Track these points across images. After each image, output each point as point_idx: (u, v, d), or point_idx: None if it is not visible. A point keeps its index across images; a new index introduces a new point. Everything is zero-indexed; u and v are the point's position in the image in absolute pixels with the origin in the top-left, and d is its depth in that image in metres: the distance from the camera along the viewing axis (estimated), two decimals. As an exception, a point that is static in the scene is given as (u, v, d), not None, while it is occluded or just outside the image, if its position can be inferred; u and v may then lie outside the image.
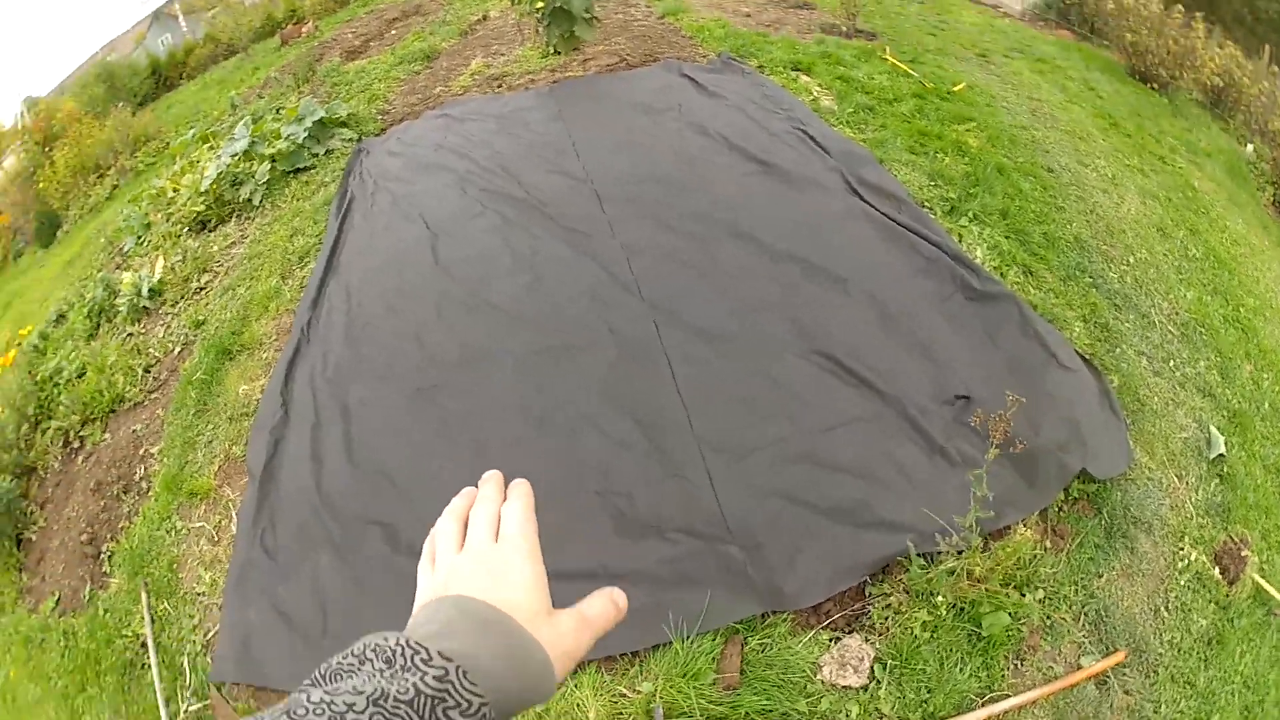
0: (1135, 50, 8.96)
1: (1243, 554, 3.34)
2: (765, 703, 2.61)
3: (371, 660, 0.52)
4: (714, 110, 6.20)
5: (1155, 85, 8.72)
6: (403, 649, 0.52)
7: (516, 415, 3.75)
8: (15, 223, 14.41)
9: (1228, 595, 3.21)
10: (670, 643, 2.79)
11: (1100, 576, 3.08)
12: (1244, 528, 3.46)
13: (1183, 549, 3.29)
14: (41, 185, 13.21)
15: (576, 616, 0.66)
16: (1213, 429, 3.80)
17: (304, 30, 15.31)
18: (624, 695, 2.73)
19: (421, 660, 0.52)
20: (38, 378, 5.80)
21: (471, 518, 0.74)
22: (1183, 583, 3.18)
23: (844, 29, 8.19)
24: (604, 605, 0.70)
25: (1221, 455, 3.69)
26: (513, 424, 3.71)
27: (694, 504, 3.23)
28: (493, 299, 4.49)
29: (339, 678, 0.52)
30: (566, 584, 2.41)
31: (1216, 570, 3.29)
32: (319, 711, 0.47)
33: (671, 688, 2.67)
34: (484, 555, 0.69)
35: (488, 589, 0.63)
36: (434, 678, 0.51)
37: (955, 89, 6.81)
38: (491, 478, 0.78)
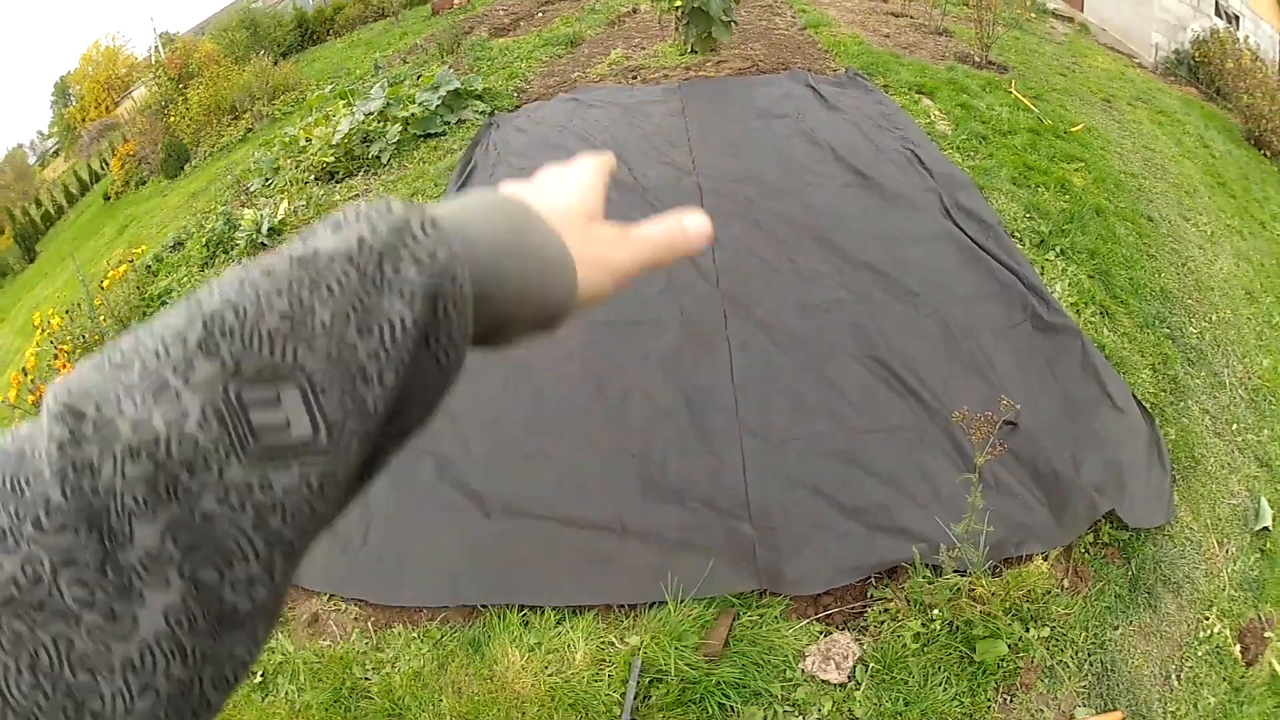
0: (1251, 114, 8.78)
1: (1266, 635, 3.20)
2: (739, 677, 2.65)
3: (318, 229, 0.41)
4: (829, 122, 6.27)
5: (1268, 153, 8.48)
6: (360, 209, 0.41)
7: (577, 377, 3.93)
8: (141, 151, 15.19)
9: (1242, 676, 3.07)
10: (666, 602, 2.87)
11: (1115, 629, 2.98)
12: (1274, 608, 3.32)
13: (1208, 619, 3.16)
14: (172, 119, 13.90)
15: (620, 228, 0.56)
16: (1263, 500, 3.65)
17: (456, 2, 15.72)
18: (612, 644, 2.82)
19: (378, 213, 0.40)
20: (146, 295, 6.24)
21: None
22: (1200, 654, 3.05)
23: (977, 59, 8.13)
24: (666, 226, 0.58)
25: (1266, 529, 3.55)
26: (572, 384, 3.89)
27: (721, 481, 3.32)
28: (578, 271, 4.70)
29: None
30: (586, 532, 2.87)
31: (1237, 648, 3.15)
32: (225, 283, 0.38)
33: (656, 645, 2.74)
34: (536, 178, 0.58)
35: (524, 192, 0.54)
36: (388, 227, 0.39)
37: (1073, 129, 6.69)
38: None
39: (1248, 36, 11.36)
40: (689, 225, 0.58)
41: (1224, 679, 3.02)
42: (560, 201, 0.54)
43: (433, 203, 0.44)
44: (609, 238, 0.54)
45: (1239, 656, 3.11)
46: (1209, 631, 3.11)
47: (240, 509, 0.35)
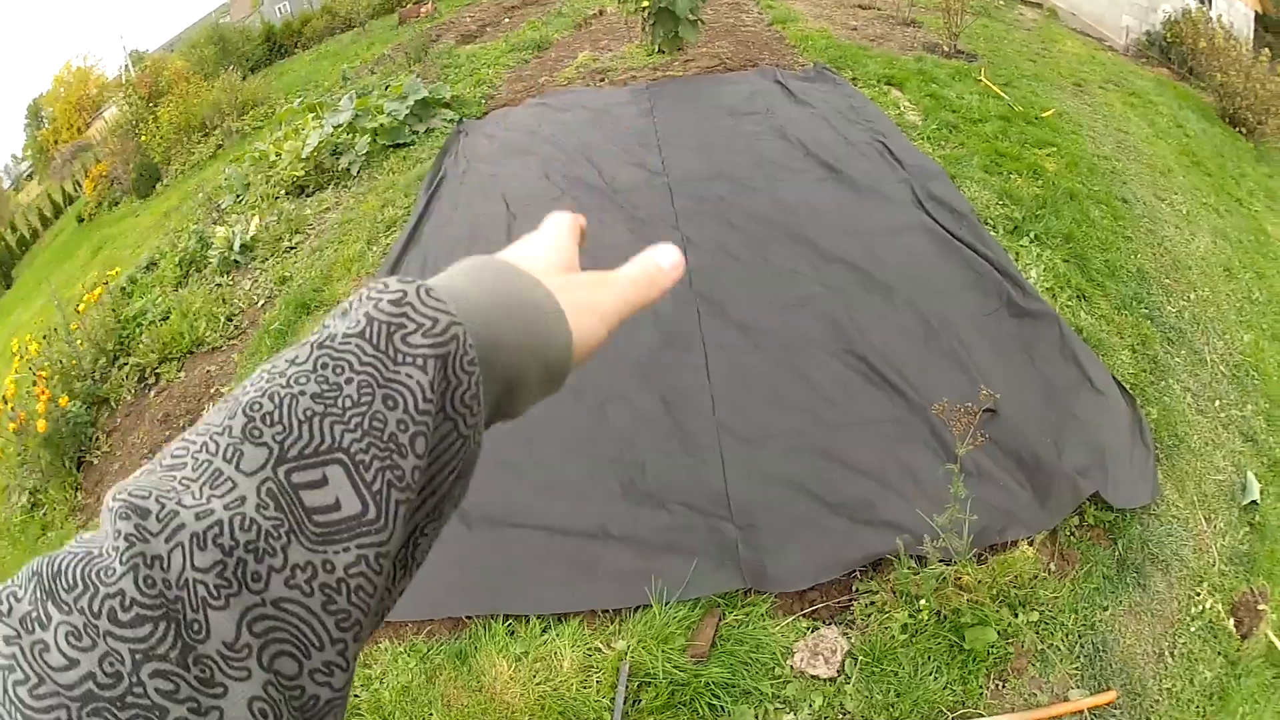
0: (1225, 92, 8.84)
1: (1260, 608, 3.19)
2: (728, 676, 2.63)
3: (329, 319, 0.43)
4: (798, 117, 6.28)
5: (1243, 129, 8.56)
6: (361, 294, 0.43)
7: (552, 382, 3.87)
8: (113, 172, 15.08)
9: (1238, 650, 3.06)
10: (650, 606, 2.85)
11: (1105, 609, 2.97)
12: (1267, 581, 3.31)
13: (1199, 594, 3.16)
14: (144, 138, 13.79)
15: (597, 273, 0.56)
16: (1250, 475, 3.65)
17: (423, 11, 15.76)
18: (599, 650, 2.79)
19: (377, 291, 0.42)
20: (121, 317, 6.18)
21: None
22: (1193, 630, 3.04)
23: (945, 48, 8.15)
24: (641, 264, 0.57)
25: (1255, 503, 3.55)
26: (548, 390, 3.84)
27: (701, 481, 3.30)
28: (550, 276, 4.69)
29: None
30: (568, 539, 2.88)
31: (1231, 622, 3.15)
32: (256, 377, 0.39)
33: (643, 649, 2.72)
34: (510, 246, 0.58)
35: (502, 255, 0.54)
36: (390, 302, 0.41)
37: (1044, 114, 6.70)
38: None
39: (1220, 15, 11.41)
40: (661, 260, 0.57)
41: (1219, 653, 3.02)
42: (536, 256, 0.55)
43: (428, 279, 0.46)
44: (588, 283, 0.54)
45: (1233, 630, 3.11)
46: (1201, 607, 3.11)
47: (309, 591, 0.36)
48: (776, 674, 2.67)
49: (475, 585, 3.08)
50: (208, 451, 0.37)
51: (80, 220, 18.08)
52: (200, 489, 0.35)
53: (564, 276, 0.53)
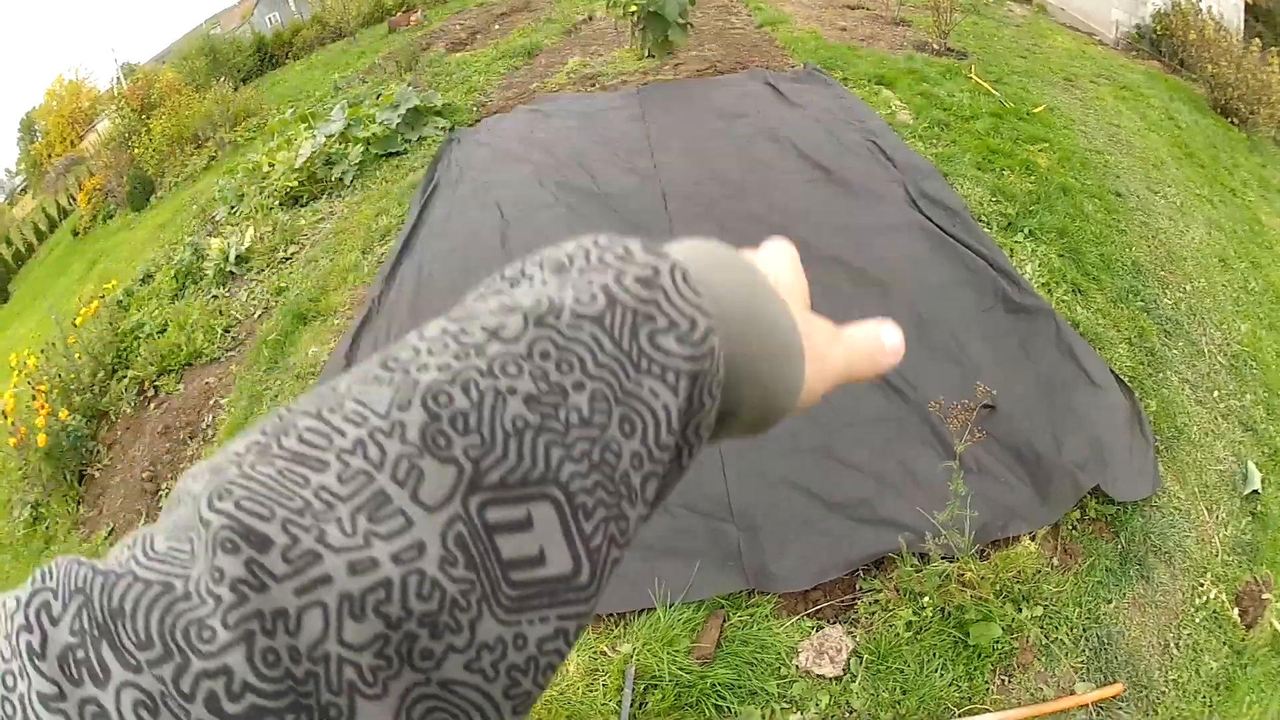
0: (1216, 83, 8.77)
1: (1264, 597, 3.19)
2: (734, 677, 2.64)
3: (535, 274, 0.33)
4: (790, 118, 6.28)
5: (1236, 120, 8.50)
6: (587, 250, 0.33)
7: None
8: (107, 185, 15.06)
9: (1243, 639, 3.06)
10: (655, 609, 2.85)
11: (1109, 602, 2.98)
12: (1270, 570, 3.31)
13: (1203, 585, 3.16)
14: (137, 151, 13.77)
15: (831, 325, 0.44)
16: (1250, 465, 3.65)
17: (413, 19, 15.79)
18: (604, 653, 2.80)
19: (617, 256, 0.32)
20: (119, 330, 6.19)
21: None
22: (1198, 620, 3.04)
23: (935, 47, 8.14)
24: (868, 333, 0.45)
25: (1256, 492, 3.55)
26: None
27: (702, 483, 3.29)
28: (545, 283, 4.71)
29: (481, 302, 0.33)
30: None
31: (1235, 611, 3.15)
32: (437, 347, 0.30)
33: (648, 652, 2.72)
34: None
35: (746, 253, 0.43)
36: (636, 279, 0.31)
37: (1035, 110, 6.70)
38: None
39: (1210, 6, 11.39)
40: (886, 338, 0.45)
41: (1224, 643, 3.01)
42: (784, 275, 0.43)
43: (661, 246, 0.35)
44: (824, 330, 0.43)
45: (1238, 620, 3.10)
46: (1205, 598, 3.11)
47: (493, 675, 0.27)
48: (782, 674, 2.68)
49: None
50: (364, 455, 0.26)
51: (75, 234, 18.05)
52: (353, 519, 0.25)
53: (806, 312, 0.42)
